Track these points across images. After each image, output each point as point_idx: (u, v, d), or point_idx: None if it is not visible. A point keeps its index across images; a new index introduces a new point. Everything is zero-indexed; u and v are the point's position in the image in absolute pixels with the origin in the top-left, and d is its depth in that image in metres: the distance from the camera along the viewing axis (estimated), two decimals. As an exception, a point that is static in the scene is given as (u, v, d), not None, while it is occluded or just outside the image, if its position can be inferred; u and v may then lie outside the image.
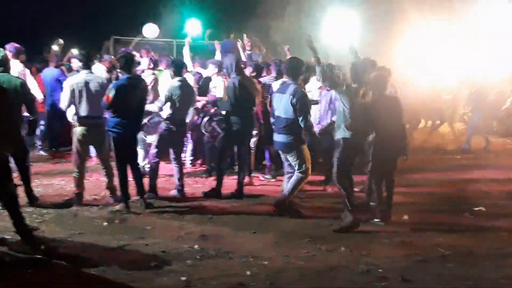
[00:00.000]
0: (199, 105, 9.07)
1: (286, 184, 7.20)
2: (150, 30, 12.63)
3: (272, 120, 7.30)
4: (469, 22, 16.50)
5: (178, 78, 7.72)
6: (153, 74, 9.27)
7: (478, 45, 16.31)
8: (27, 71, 9.64)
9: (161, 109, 7.75)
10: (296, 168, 7.03)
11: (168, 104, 7.64)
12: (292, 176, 7.11)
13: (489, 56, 16.27)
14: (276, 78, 9.21)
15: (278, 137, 7.09)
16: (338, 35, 15.48)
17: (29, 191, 7.17)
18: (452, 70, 14.10)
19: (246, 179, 8.49)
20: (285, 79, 8.55)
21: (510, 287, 4.98)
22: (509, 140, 14.70)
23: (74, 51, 12.84)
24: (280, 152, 7.24)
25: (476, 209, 7.54)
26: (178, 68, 7.83)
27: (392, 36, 16.38)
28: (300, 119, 6.85)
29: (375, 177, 6.95)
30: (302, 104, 6.85)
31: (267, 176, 9.27)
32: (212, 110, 9.06)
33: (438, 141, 13.49)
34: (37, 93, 10.23)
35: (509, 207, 7.79)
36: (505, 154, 12.47)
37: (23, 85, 6.82)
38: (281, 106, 6.97)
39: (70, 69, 10.67)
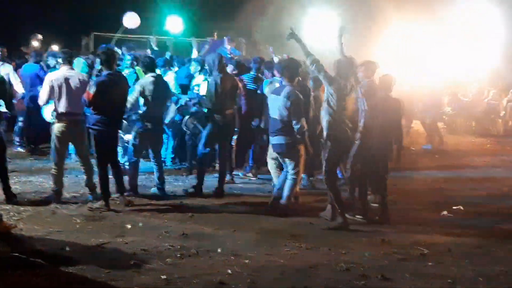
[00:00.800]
0: (181, 102, 9.03)
1: (280, 184, 7.19)
2: (131, 20, 12.41)
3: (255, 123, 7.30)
4: (448, 22, 16.67)
5: (151, 74, 7.66)
6: (135, 72, 9.21)
7: (457, 45, 16.49)
8: (10, 67, 9.54)
9: (132, 105, 7.66)
10: (290, 169, 7.02)
11: (144, 100, 7.58)
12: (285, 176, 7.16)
13: (468, 57, 16.46)
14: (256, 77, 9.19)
15: (273, 140, 7.06)
16: (319, 35, 15.54)
17: (6, 188, 7.08)
18: (432, 70, 14.22)
19: (227, 178, 8.47)
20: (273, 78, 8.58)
21: (488, 285, 5.03)
22: (487, 140, 14.91)
23: (54, 48, 12.73)
24: (278, 154, 7.21)
25: (454, 208, 7.62)
26: (148, 65, 7.76)
27: (373, 37, 16.48)
28: (294, 122, 6.81)
29: (361, 176, 6.95)
30: (296, 107, 6.82)
31: (248, 175, 9.27)
32: (194, 108, 9.02)
33: (416, 141, 13.61)
34: (19, 89, 10.13)
35: (487, 206, 7.90)
36: (484, 154, 12.62)
37: (2, 81, 6.72)
38: (276, 108, 6.94)
39: (49, 66, 10.55)
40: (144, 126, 7.60)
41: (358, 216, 6.89)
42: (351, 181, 7.02)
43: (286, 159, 7.09)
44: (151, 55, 8.91)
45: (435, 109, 13.45)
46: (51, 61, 9.88)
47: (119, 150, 8.54)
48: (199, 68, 9.44)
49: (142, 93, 7.51)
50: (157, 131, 7.80)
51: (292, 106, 6.80)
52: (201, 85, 9.20)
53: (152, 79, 7.58)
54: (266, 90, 8.15)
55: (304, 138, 6.90)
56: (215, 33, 12.09)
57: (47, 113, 7.53)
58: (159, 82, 7.70)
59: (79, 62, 9.53)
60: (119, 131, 8.16)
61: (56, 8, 20.64)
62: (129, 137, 8.35)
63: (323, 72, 6.58)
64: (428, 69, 14.17)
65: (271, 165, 7.78)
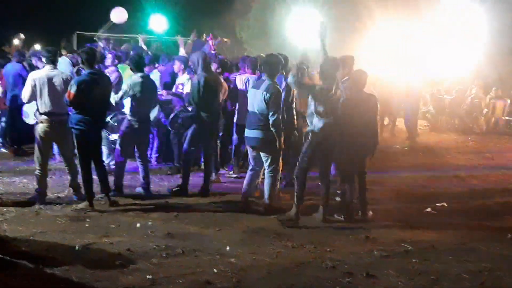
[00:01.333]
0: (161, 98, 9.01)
1: (248, 180, 7.22)
2: (118, 15, 12.32)
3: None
4: (431, 21, 16.80)
5: (139, 74, 7.63)
6: (117, 70, 9.16)
7: (439, 43, 16.63)
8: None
9: (116, 103, 7.63)
10: (267, 165, 7.04)
11: (129, 100, 7.56)
12: (254, 172, 7.19)
13: (450, 55, 16.61)
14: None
15: (250, 133, 7.06)
16: (303, 34, 15.55)
17: (-11, 190, 7.02)
18: (416, 68, 14.32)
19: (212, 177, 8.47)
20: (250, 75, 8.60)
21: (472, 281, 5.08)
22: (470, 137, 15.05)
23: (37, 47, 12.62)
24: (250, 148, 7.24)
25: (438, 204, 7.69)
26: (137, 63, 7.73)
27: (357, 35, 16.57)
28: (270, 114, 6.83)
29: (346, 175, 6.97)
30: (274, 100, 6.83)
31: (230, 173, 9.28)
32: (178, 107, 8.99)
33: (398, 138, 13.71)
34: None
35: (471, 203, 7.98)
36: (466, 151, 12.74)
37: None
38: (255, 101, 6.96)
39: (31, 65, 10.47)
40: (130, 125, 7.57)
41: (338, 216, 6.94)
42: (342, 180, 7.05)
43: (262, 154, 7.09)
44: (139, 54, 8.84)
45: (415, 106, 13.59)
46: (36, 60, 9.79)
47: (104, 150, 8.52)
48: (182, 66, 9.41)
49: (127, 93, 7.48)
50: (143, 131, 7.77)
51: (270, 99, 6.83)
52: (185, 83, 9.17)
53: (140, 79, 7.56)
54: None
55: (279, 132, 6.91)
56: (194, 32, 12.04)
57: (29, 114, 7.46)
58: (146, 82, 7.67)
59: (64, 61, 9.48)
60: (105, 131, 8.14)
61: (39, 8, 20.50)
62: (115, 137, 8.32)
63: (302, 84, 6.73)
64: (411, 67, 14.27)
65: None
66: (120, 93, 7.53)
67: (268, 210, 7.06)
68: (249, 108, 7.09)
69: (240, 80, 8.82)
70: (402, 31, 16.32)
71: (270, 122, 6.85)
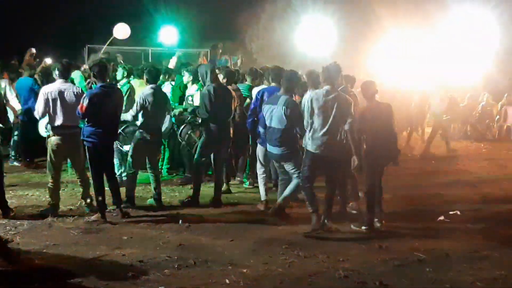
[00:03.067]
0: (175, 113, 9.05)
1: (281, 190, 7.28)
2: (121, 31, 12.42)
3: (261, 130, 7.34)
4: (442, 28, 16.78)
5: (151, 86, 7.69)
6: (128, 83, 9.21)
7: (451, 51, 16.59)
8: (6, 81, 9.53)
9: (134, 117, 7.70)
10: (294, 176, 7.10)
11: (143, 111, 7.61)
12: (284, 181, 7.27)
13: (462, 62, 16.55)
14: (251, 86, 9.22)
15: (273, 149, 7.14)
16: (313, 43, 15.63)
17: (3, 203, 7.06)
18: (426, 75, 14.28)
19: (224, 187, 8.47)
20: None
21: (486, 289, 5.04)
22: (482, 144, 14.95)
23: (48, 61, 12.74)
24: (274, 161, 7.35)
25: (451, 213, 7.63)
26: (152, 75, 7.79)
27: (367, 43, 16.57)
28: (297, 129, 6.92)
29: (369, 186, 6.94)
30: (296, 115, 6.88)
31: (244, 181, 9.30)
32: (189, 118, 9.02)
33: (412, 147, 13.63)
34: (15, 104, 10.15)
35: (484, 211, 7.91)
36: (479, 159, 12.65)
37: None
38: (275, 117, 7.03)
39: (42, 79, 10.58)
40: (142, 137, 7.61)
41: (363, 227, 6.89)
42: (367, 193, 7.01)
43: (286, 166, 7.19)
44: (155, 66, 8.91)
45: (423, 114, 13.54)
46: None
47: (116, 161, 8.56)
48: (191, 78, 9.45)
49: (142, 106, 7.53)
50: (155, 142, 7.81)
51: (292, 114, 6.89)
52: (195, 95, 9.21)
53: (151, 90, 7.61)
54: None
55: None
56: (221, 45, 12.13)
57: (41, 127, 7.52)
58: (158, 94, 7.73)
59: (76, 75, 9.56)
60: (118, 143, 8.18)
61: (51, 21, 20.69)
62: (127, 148, 8.35)
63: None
64: (422, 75, 14.24)
65: (260, 178, 7.86)
66: (135, 107, 7.60)
67: (276, 211, 7.14)
68: (267, 123, 7.14)
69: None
70: (413, 39, 16.30)
71: (299, 134, 6.93)
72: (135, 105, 7.66)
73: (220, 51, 14.54)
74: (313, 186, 6.78)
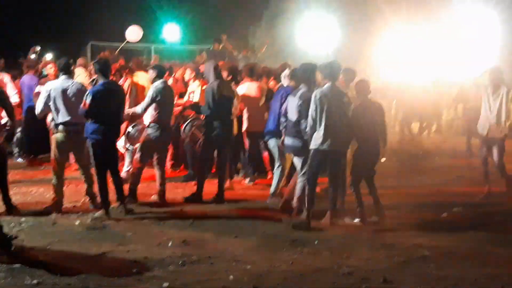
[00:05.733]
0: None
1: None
2: (133, 34, 12.42)
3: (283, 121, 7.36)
4: (445, 22, 16.72)
5: (161, 81, 7.72)
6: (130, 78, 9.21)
7: (455, 45, 16.53)
8: (7, 77, 9.55)
9: (143, 111, 7.70)
10: (300, 171, 7.13)
11: (153, 106, 7.61)
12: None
13: (466, 57, 16.49)
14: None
15: (288, 140, 7.19)
16: (315, 39, 15.61)
17: (7, 199, 7.08)
18: (429, 70, 14.25)
19: (227, 184, 8.48)
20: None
21: (491, 286, 5.03)
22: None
23: (48, 57, 12.75)
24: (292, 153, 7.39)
25: (455, 209, 7.63)
26: (160, 72, 7.82)
27: (370, 39, 16.53)
28: (302, 121, 6.94)
29: (355, 180, 7.01)
30: (305, 107, 6.89)
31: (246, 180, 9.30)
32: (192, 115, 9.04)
33: (416, 143, 13.62)
34: (14, 98, 10.14)
35: (487, 207, 7.90)
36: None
37: (1, 92, 6.68)
38: (291, 108, 7.10)
39: (44, 76, 10.60)
40: (152, 133, 7.62)
41: (356, 220, 6.95)
42: (351, 184, 7.07)
43: (294, 160, 7.25)
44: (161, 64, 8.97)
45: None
46: (50, 70, 9.87)
47: (127, 158, 8.61)
48: (193, 75, 9.45)
49: (154, 99, 7.54)
50: (164, 138, 7.82)
51: (303, 106, 6.92)
52: (196, 91, 9.22)
53: (162, 85, 7.65)
54: None
55: (303, 137, 7.01)
56: (225, 37, 12.09)
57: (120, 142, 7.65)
58: (167, 89, 7.75)
59: (79, 72, 9.57)
60: (128, 144, 8.20)
61: (54, 18, 20.71)
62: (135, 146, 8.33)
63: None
64: (425, 71, 14.21)
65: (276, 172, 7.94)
66: (148, 100, 7.60)
67: (283, 205, 7.26)
68: (288, 115, 7.20)
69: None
70: (416, 35, 16.25)
71: (301, 128, 6.96)
72: (147, 97, 7.66)
73: (222, 44, 14.55)
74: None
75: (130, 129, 8.22)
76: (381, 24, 16.46)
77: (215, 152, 8.19)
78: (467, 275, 5.25)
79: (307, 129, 6.80)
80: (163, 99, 7.60)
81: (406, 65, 15.25)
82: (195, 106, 8.65)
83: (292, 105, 7.08)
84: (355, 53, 15.22)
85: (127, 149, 8.53)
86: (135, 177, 7.77)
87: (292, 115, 7.08)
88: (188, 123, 8.99)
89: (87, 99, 6.78)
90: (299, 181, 7.15)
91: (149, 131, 7.68)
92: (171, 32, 16.50)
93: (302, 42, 17.06)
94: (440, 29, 16.63)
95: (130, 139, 8.26)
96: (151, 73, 7.87)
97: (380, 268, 5.41)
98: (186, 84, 9.82)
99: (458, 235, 6.57)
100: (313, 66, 7.30)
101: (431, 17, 16.64)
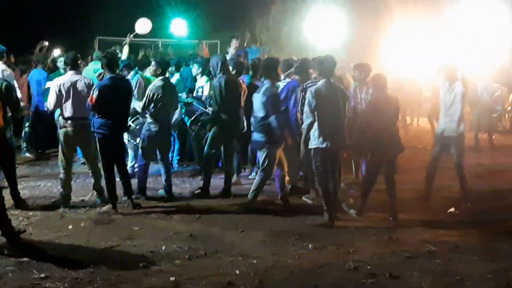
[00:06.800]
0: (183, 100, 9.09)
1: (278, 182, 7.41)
2: (142, 26, 12.41)
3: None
4: (454, 19, 16.61)
5: (160, 78, 7.70)
6: (137, 73, 9.22)
7: (463, 42, 16.43)
8: (12, 72, 9.58)
9: (143, 109, 7.73)
10: (260, 166, 7.22)
11: (152, 103, 7.63)
12: (279, 172, 7.34)
13: (474, 54, 16.38)
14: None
15: (254, 136, 7.26)
16: (323, 34, 15.53)
17: (15, 194, 7.12)
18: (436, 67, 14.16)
19: (234, 178, 8.49)
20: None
21: (497, 281, 5.03)
22: (493, 136, 14.80)
23: (56, 52, 12.79)
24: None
25: (462, 204, 7.60)
26: (162, 67, 7.81)
27: (378, 34, 16.46)
28: (271, 118, 6.98)
29: (368, 172, 7.06)
30: (271, 103, 6.99)
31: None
32: (199, 110, 9.04)
33: (422, 138, 13.57)
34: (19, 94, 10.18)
35: (494, 203, 7.88)
36: (490, 150, 12.56)
37: (7, 87, 6.67)
38: (256, 105, 7.15)
39: (52, 71, 10.65)
40: (151, 128, 7.64)
41: (351, 211, 7.04)
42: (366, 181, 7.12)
43: (258, 154, 7.36)
44: (164, 58, 8.92)
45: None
46: (60, 64, 9.89)
47: (130, 153, 8.63)
48: (200, 69, 9.46)
49: (151, 98, 7.55)
50: (164, 134, 7.83)
51: (268, 102, 6.99)
52: (204, 86, 9.23)
53: (161, 83, 7.63)
54: None
55: (275, 134, 7.06)
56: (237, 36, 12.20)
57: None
58: (167, 85, 7.74)
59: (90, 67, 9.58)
60: (130, 135, 8.22)
61: (61, 13, 20.75)
62: (138, 141, 8.37)
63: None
64: (433, 66, 14.11)
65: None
66: (145, 99, 7.61)
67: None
68: (254, 112, 7.25)
69: None
70: (425, 30, 16.16)
71: (272, 125, 6.99)
72: (145, 97, 7.67)
73: (247, 38, 14.58)
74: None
75: (130, 122, 8.24)
76: (389, 19, 16.39)
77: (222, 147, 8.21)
78: (474, 270, 5.25)
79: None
80: (163, 95, 7.59)
81: (413, 60, 15.16)
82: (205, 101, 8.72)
83: (257, 102, 7.12)
84: (363, 48, 15.18)
85: (129, 141, 8.56)
86: (142, 173, 7.79)
87: (259, 112, 7.10)
88: (194, 118, 9.00)
89: (94, 94, 6.81)
90: (259, 175, 7.24)
91: (148, 127, 7.69)
92: (179, 27, 16.49)
93: (310, 37, 17.00)
94: (449, 22, 16.53)
95: (132, 132, 8.29)
96: (153, 67, 7.82)
97: (387, 263, 5.43)
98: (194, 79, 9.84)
99: (465, 230, 6.56)
100: (275, 61, 7.50)
101: (441, 13, 16.54)
